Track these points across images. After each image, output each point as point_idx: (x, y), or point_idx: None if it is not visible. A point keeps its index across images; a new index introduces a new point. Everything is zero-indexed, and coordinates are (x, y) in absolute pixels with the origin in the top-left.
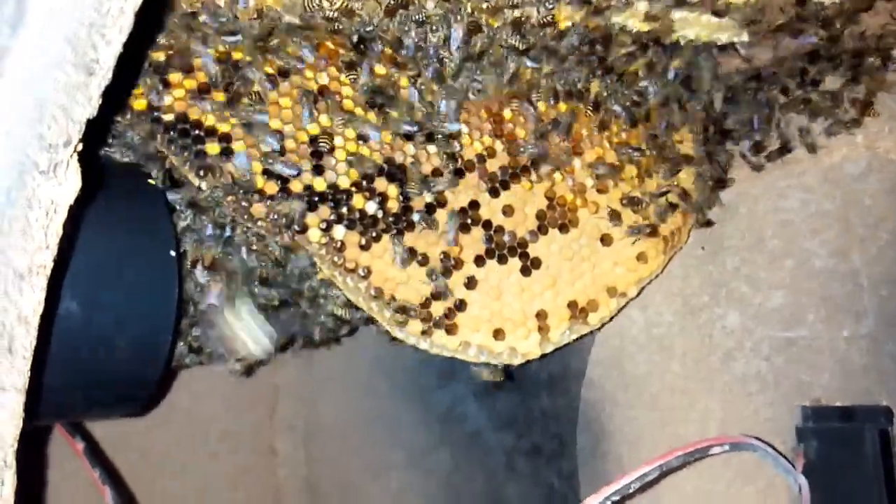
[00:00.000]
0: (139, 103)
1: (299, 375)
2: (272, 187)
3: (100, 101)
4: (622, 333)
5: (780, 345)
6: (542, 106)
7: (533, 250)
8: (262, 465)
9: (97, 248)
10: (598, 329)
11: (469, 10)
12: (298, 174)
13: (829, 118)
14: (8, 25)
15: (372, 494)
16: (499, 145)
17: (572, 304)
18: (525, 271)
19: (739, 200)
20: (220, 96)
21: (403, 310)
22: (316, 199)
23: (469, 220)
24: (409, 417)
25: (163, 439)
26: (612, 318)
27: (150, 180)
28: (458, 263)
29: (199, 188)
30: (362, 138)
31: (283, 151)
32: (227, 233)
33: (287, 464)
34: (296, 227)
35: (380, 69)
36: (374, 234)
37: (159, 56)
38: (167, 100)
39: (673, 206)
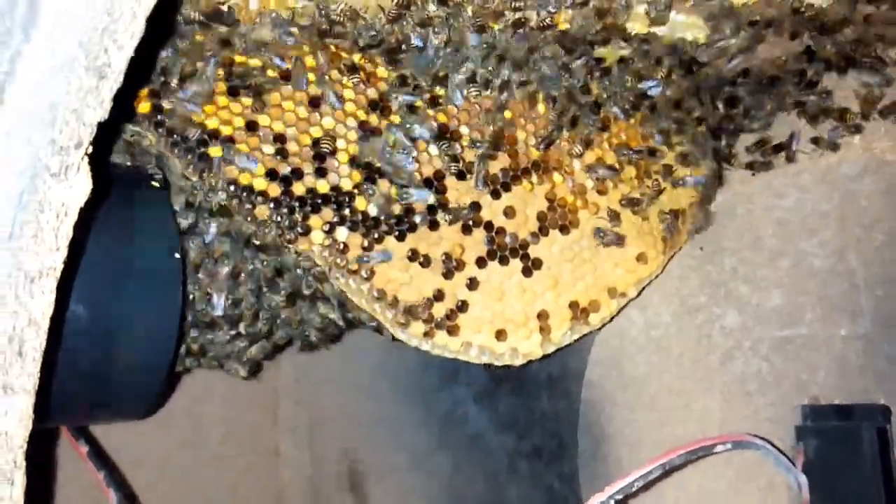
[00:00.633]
0: (143, 106)
1: (301, 377)
2: (275, 189)
3: (111, 105)
4: (621, 334)
5: (778, 344)
6: (541, 108)
7: (534, 251)
8: (264, 466)
9: (102, 252)
10: (599, 329)
11: (470, 13)
12: (300, 176)
13: (831, 122)
14: (20, 29)
15: (375, 496)
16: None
17: (573, 305)
18: (526, 272)
19: (737, 201)
20: (223, 100)
21: (409, 311)
22: (319, 201)
23: (471, 222)
24: (410, 419)
25: (164, 443)
26: (612, 319)
27: (153, 183)
28: (460, 265)
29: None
30: (365, 141)
31: (285, 154)
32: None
33: (290, 465)
34: (299, 230)
35: (382, 72)
36: (376, 236)
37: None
38: (169, 104)
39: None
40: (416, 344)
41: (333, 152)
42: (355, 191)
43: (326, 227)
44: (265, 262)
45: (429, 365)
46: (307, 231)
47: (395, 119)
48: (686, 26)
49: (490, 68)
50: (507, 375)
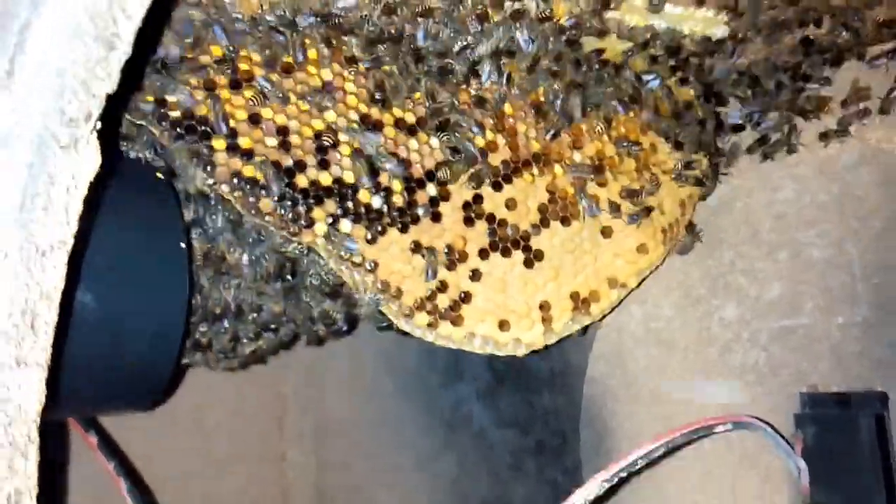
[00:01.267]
0: (147, 98)
1: (308, 383)
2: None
3: (119, 77)
4: (621, 328)
5: (777, 334)
6: (542, 101)
7: (535, 243)
8: (271, 472)
9: (109, 241)
10: (600, 320)
11: (470, 3)
12: (303, 168)
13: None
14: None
15: (381, 499)
16: (500, 140)
17: (575, 296)
18: (528, 264)
19: (735, 194)
20: (225, 93)
21: (414, 302)
22: (322, 193)
23: (473, 214)
24: (415, 419)
25: (169, 449)
26: (612, 309)
27: (158, 174)
28: (463, 256)
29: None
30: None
31: (288, 146)
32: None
33: (296, 470)
34: (302, 222)
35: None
36: (379, 228)
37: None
38: (173, 97)
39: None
40: (419, 335)
41: (335, 145)
42: (358, 183)
43: (330, 220)
44: (268, 255)
45: (432, 364)
46: (311, 223)
47: (398, 113)
48: (682, 19)
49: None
50: (510, 372)
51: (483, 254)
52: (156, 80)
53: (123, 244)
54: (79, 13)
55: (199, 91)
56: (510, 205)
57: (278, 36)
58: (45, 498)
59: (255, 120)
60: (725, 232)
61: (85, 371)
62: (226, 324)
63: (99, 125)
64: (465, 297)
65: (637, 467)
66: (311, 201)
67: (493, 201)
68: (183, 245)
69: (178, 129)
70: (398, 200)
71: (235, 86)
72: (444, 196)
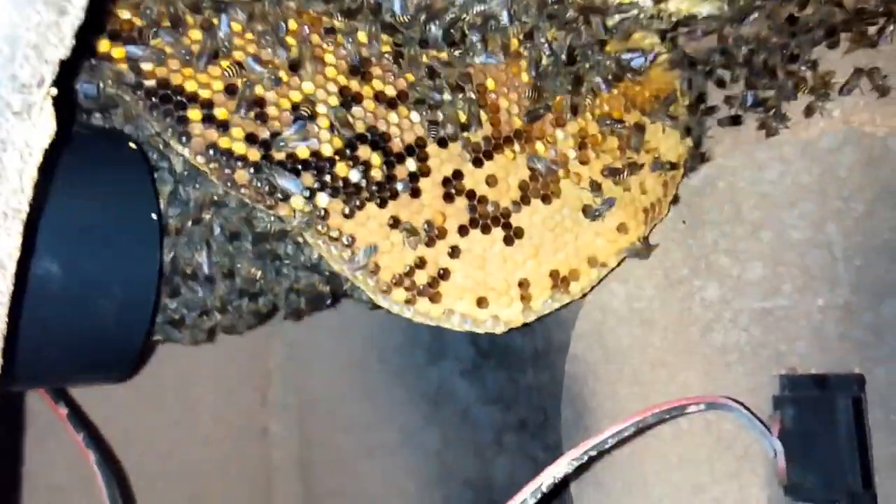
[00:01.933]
0: (121, 67)
1: (292, 358)
2: (255, 153)
3: (72, 42)
4: (604, 307)
5: (757, 315)
6: (524, 77)
7: (516, 220)
8: (254, 446)
9: (78, 210)
10: (580, 299)
11: None
12: (283, 141)
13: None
14: None
15: (364, 473)
16: (482, 115)
17: (554, 274)
18: (508, 241)
19: (719, 174)
20: (202, 63)
21: (392, 278)
22: (299, 166)
23: (453, 190)
24: (399, 395)
25: (153, 422)
26: (592, 289)
27: (131, 144)
28: (442, 233)
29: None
30: (346, 106)
31: (265, 118)
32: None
33: (280, 444)
34: (279, 195)
35: (362, 37)
36: (357, 203)
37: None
38: (148, 65)
39: (672, 165)
40: (397, 311)
41: (313, 117)
42: (336, 156)
43: (307, 193)
44: (243, 225)
45: (417, 341)
46: (287, 197)
47: (377, 86)
48: None
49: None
50: (494, 350)
51: (462, 230)
52: (131, 49)
53: (92, 214)
54: None
55: (174, 60)
56: (491, 181)
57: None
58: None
59: (231, 90)
60: (709, 212)
61: (52, 340)
62: (199, 291)
63: (54, 91)
64: (444, 274)
65: (607, 446)
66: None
67: (473, 177)
68: (154, 216)
69: (153, 99)
70: (377, 175)
71: (212, 55)
72: (424, 171)
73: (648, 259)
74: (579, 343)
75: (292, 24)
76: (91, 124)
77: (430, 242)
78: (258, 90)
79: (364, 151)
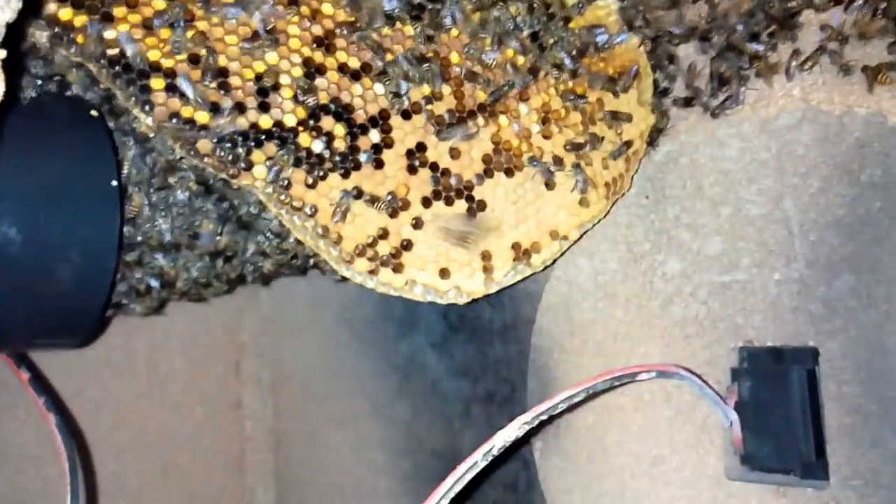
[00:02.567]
0: (82, 36)
1: (264, 329)
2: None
3: (20, 5)
4: (570, 281)
5: (716, 289)
6: (489, 50)
7: (479, 193)
8: (227, 418)
9: (37, 175)
10: (544, 272)
11: None
12: (243, 110)
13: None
14: None
15: (336, 444)
16: (446, 88)
17: (516, 246)
18: (471, 213)
19: (681, 150)
20: (165, 32)
21: (354, 249)
22: (262, 136)
23: (416, 162)
24: (370, 367)
25: (124, 392)
26: (554, 261)
27: (92, 111)
28: (406, 204)
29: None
30: (309, 77)
31: (228, 88)
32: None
33: (252, 416)
34: (241, 164)
35: (327, 9)
36: (320, 173)
37: None
38: (111, 34)
39: (627, 144)
40: (360, 281)
41: (276, 87)
42: (299, 127)
43: (269, 163)
44: (202, 190)
45: (389, 315)
46: (250, 166)
47: (342, 57)
48: None
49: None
50: (463, 324)
51: (426, 202)
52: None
53: (52, 179)
54: None
55: (137, 29)
56: (454, 154)
57: None
58: None
59: (194, 60)
60: (671, 187)
61: (9, 305)
62: (160, 259)
63: (3, 54)
64: (407, 245)
65: (558, 410)
66: (251, 144)
67: (436, 150)
68: (115, 182)
69: (117, 67)
70: (340, 146)
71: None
72: (388, 143)
73: (612, 233)
74: (545, 316)
75: None
76: (52, 91)
77: (393, 213)
78: (221, 60)
79: (327, 122)
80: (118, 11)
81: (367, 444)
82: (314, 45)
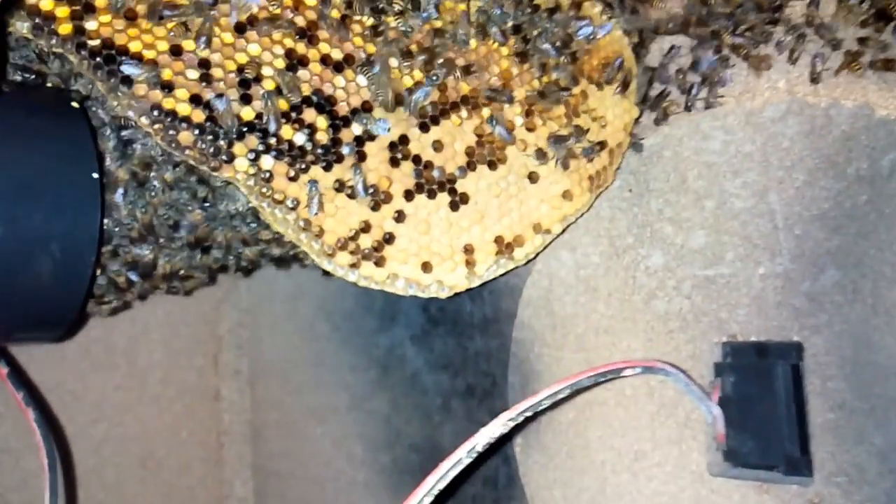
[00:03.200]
0: (65, 28)
1: (242, 322)
2: (199, 115)
3: None
4: (552, 274)
5: (700, 283)
6: (472, 42)
7: (461, 186)
8: (205, 410)
9: (18, 168)
10: (526, 265)
11: None
12: (226, 102)
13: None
14: None
15: (315, 437)
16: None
17: (499, 240)
18: (453, 206)
19: (665, 143)
20: (146, 24)
21: (336, 242)
22: (244, 128)
23: (399, 155)
24: (350, 361)
25: (102, 384)
26: (537, 255)
27: (73, 103)
28: (388, 197)
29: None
30: (291, 69)
31: (210, 80)
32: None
33: (231, 408)
34: (223, 157)
35: (310, 1)
36: (302, 166)
37: None
38: (93, 25)
39: (601, 145)
40: (342, 274)
41: (258, 79)
42: (281, 119)
43: (251, 155)
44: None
45: (369, 308)
46: (231, 158)
47: (324, 49)
48: None
49: None
50: (444, 318)
51: (408, 195)
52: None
53: (32, 171)
54: None
55: (119, 20)
56: (437, 147)
57: None
58: None
59: (176, 52)
60: (655, 180)
61: None
62: (142, 249)
63: None
64: (389, 238)
65: (542, 407)
66: (233, 136)
67: (419, 143)
68: (95, 175)
69: (98, 59)
70: (322, 138)
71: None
72: (370, 136)
73: (595, 227)
74: (527, 310)
75: None
76: (33, 83)
77: (375, 207)
78: (203, 52)
79: (310, 114)
80: (99, 2)
81: (345, 436)
82: (297, 37)
